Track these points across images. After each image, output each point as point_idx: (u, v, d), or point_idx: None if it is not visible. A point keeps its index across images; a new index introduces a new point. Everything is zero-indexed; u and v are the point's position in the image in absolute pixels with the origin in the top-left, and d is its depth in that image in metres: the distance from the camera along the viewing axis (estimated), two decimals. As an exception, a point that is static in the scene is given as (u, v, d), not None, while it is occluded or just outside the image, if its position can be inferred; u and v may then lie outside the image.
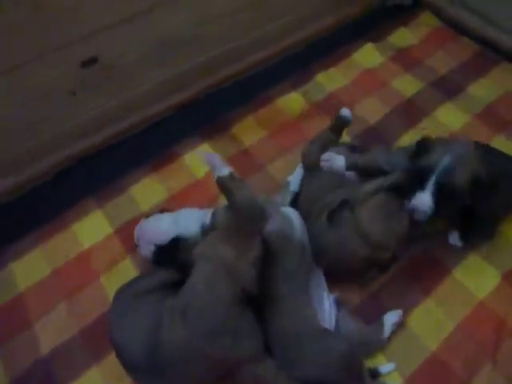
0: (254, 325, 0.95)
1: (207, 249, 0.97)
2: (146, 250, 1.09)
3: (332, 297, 1.06)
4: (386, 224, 1.05)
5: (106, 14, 1.11)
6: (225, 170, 0.97)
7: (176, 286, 0.98)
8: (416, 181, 1.01)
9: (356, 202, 1.06)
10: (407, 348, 1.05)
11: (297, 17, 1.50)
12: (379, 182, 1.07)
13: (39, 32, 1.04)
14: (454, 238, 1.19)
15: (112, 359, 1.05)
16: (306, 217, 1.10)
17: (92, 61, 1.17)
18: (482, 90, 1.54)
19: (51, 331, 1.11)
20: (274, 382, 0.95)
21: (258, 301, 0.97)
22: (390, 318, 1.05)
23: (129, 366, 0.96)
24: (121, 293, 1.02)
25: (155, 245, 1.07)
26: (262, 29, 1.42)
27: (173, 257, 1.06)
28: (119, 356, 0.97)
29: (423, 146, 1.04)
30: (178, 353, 0.90)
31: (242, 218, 0.98)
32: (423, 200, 0.99)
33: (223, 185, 0.97)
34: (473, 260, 1.17)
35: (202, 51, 1.34)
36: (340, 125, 1.19)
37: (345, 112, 1.16)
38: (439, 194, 0.99)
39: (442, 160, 0.98)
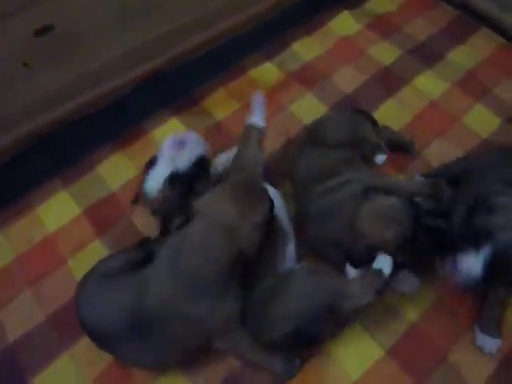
0: (238, 291, 0.91)
1: (209, 203, 0.91)
2: (182, 161, 1.03)
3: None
4: (384, 231, 0.92)
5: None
6: (260, 123, 1.01)
7: (142, 263, 0.94)
8: (466, 238, 0.87)
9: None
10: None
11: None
12: (403, 183, 1.01)
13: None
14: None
15: (83, 344, 1.03)
16: (301, 192, 1.08)
17: (46, 28, 1.08)
18: (462, 56, 1.50)
19: (17, 319, 1.06)
20: (250, 353, 0.94)
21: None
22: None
23: (105, 341, 0.93)
24: (86, 277, 0.97)
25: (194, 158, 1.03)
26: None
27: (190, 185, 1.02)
28: (93, 336, 0.94)
29: (484, 205, 0.90)
30: (160, 310, 0.87)
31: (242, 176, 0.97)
32: (473, 265, 0.85)
33: (247, 133, 1.00)
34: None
35: (166, 18, 1.25)
36: None
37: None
38: (491, 265, 0.85)
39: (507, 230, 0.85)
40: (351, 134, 1.17)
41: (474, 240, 0.85)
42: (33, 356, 1.02)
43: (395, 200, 0.94)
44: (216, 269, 0.86)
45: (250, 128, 1.00)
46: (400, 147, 1.28)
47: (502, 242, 0.83)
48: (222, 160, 1.17)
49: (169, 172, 1.01)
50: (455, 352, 1.00)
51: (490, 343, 0.99)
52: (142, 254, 0.99)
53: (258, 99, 1.02)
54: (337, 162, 1.10)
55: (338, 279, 0.95)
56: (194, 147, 1.05)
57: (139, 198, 1.08)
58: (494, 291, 1.00)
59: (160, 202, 1.03)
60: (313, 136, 1.17)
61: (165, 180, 1.01)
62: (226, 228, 0.87)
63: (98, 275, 0.96)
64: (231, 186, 0.92)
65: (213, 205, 0.90)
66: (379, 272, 0.91)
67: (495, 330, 1.00)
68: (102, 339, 0.93)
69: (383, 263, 0.92)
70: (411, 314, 1.05)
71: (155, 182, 1.01)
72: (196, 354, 0.98)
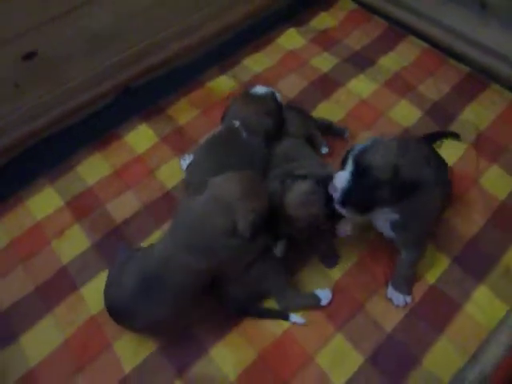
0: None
1: (219, 181, 1.04)
2: None
3: None
4: (310, 209, 1.10)
5: (40, 12, 1.29)
6: None
7: None
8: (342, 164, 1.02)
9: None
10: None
11: (219, 6, 1.69)
12: (318, 170, 1.17)
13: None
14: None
15: (63, 307, 1.24)
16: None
17: (32, 54, 1.34)
18: (390, 61, 1.74)
19: (10, 290, 1.28)
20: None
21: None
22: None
23: (123, 314, 1.08)
24: (112, 270, 1.15)
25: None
26: (185, 19, 1.61)
27: None
28: (113, 313, 1.09)
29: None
30: (164, 264, 1.02)
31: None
32: (340, 176, 0.98)
33: None
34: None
35: (128, 44, 1.53)
36: None
37: None
38: (359, 179, 0.96)
39: (363, 143, 1.00)
40: (305, 128, 1.43)
41: (344, 162, 1.00)
42: (21, 320, 1.22)
43: (310, 183, 1.12)
44: (210, 236, 1.00)
45: None
46: (332, 133, 1.51)
47: (358, 152, 0.97)
48: (186, 162, 1.43)
49: None
50: (371, 302, 1.20)
51: (398, 298, 1.18)
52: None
53: None
54: (289, 150, 1.33)
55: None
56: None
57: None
58: (406, 253, 1.16)
59: None
60: None
61: None
62: (226, 204, 1.00)
63: (118, 264, 1.12)
64: (236, 174, 1.06)
65: (222, 183, 1.04)
66: None
67: (404, 287, 1.18)
68: (120, 313, 1.08)
69: None
70: (335, 273, 1.25)
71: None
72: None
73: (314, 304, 1.19)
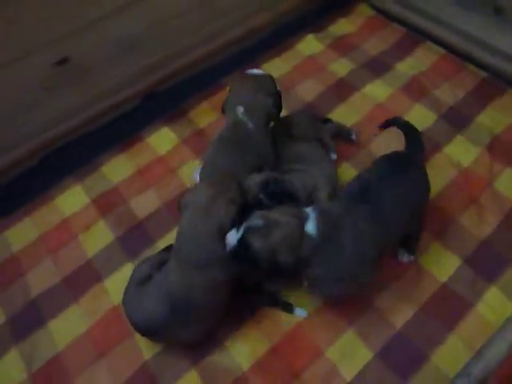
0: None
1: (189, 196, 1.12)
2: None
3: None
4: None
5: (74, 20, 1.39)
6: None
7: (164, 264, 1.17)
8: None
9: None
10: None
11: (243, 12, 1.77)
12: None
13: (19, 36, 1.31)
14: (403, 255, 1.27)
15: (87, 298, 1.32)
16: None
17: (64, 60, 1.44)
18: (406, 66, 1.77)
19: (39, 279, 1.36)
20: None
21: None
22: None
23: (155, 332, 1.13)
24: (128, 287, 1.19)
25: None
26: (210, 26, 1.69)
27: None
28: (143, 330, 1.14)
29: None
30: (182, 288, 1.07)
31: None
32: (231, 236, 1.03)
33: None
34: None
35: (155, 50, 1.62)
36: None
37: None
38: (242, 249, 1.02)
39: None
40: (313, 131, 1.47)
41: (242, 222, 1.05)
42: (49, 307, 1.31)
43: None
44: (207, 245, 1.05)
45: None
46: (343, 136, 1.55)
47: (250, 223, 1.02)
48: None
49: None
50: (381, 299, 1.23)
51: None
52: (162, 256, 1.22)
53: None
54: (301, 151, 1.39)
55: None
56: None
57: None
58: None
59: None
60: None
61: None
62: (204, 209, 1.07)
63: (135, 283, 1.17)
64: (205, 182, 1.16)
65: (192, 197, 1.12)
66: None
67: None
68: (151, 331, 1.13)
69: None
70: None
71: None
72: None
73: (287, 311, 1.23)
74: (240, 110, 1.30)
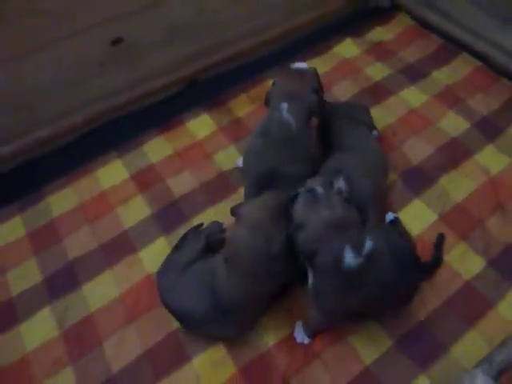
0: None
1: (244, 210, 1.12)
2: None
3: None
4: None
5: (129, 2, 1.47)
6: None
7: (207, 251, 1.23)
8: None
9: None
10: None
11: (288, 10, 1.85)
12: None
13: (77, 14, 1.41)
14: None
15: (122, 265, 1.38)
16: None
17: (119, 40, 1.52)
18: (442, 75, 1.82)
19: (77, 245, 1.43)
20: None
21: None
22: None
23: (191, 320, 1.16)
24: (165, 269, 1.23)
25: None
26: (256, 20, 1.77)
27: None
28: (180, 317, 1.17)
29: None
30: (229, 290, 1.09)
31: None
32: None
33: None
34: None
35: (202, 38, 1.70)
36: None
37: None
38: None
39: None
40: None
41: None
42: (84, 271, 1.38)
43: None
44: (266, 264, 1.07)
45: None
46: None
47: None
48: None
49: None
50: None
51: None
52: (202, 244, 1.24)
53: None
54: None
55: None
56: None
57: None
58: None
59: None
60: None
61: None
62: (263, 233, 1.07)
63: (177, 268, 1.19)
64: (264, 200, 1.13)
65: (248, 213, 1.11)
66: None
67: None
68: (188, 320, 1.16)
69: None
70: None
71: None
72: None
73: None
74: (284, 107, 1.31)
